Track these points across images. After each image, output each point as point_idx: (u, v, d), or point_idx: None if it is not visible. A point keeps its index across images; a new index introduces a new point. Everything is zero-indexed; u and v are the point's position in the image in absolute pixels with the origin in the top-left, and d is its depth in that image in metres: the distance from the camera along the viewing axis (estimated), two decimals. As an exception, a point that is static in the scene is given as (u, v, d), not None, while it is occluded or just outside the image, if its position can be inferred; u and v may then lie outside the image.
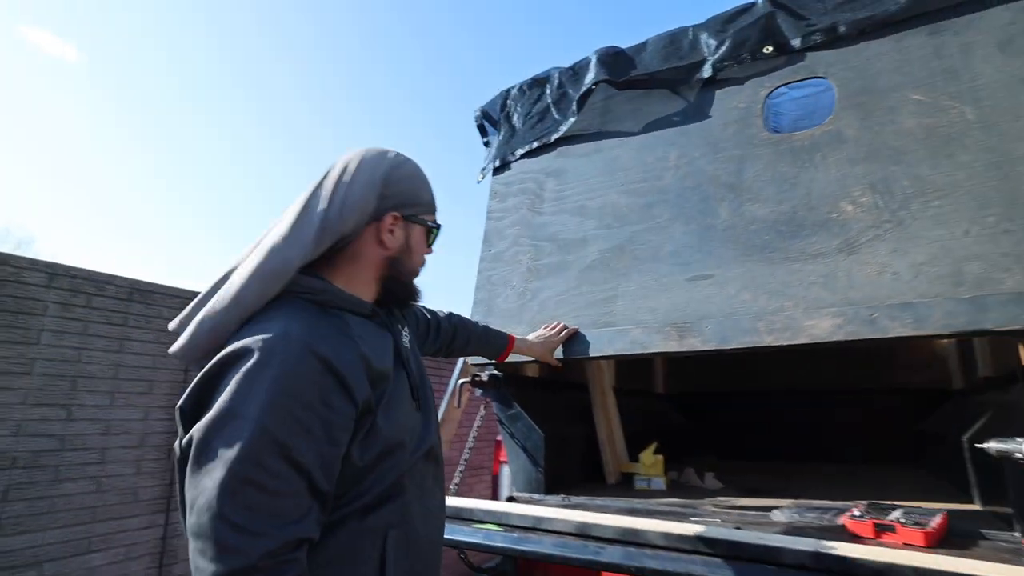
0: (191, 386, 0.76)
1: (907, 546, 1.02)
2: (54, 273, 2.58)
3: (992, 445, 1.11)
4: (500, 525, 1.57)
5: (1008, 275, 1.24)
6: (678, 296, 1.63)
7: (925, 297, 1.30)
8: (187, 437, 0.73)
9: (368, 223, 0.90)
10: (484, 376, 2.04)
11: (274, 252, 0.82)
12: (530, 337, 1.71)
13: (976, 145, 1.39)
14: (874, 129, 1.55)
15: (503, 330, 1.68)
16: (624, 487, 2.10)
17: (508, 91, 2.41)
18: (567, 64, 2.26)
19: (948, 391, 2.60)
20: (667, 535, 1.24)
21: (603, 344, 1.67)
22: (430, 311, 1.41)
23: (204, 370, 0.76)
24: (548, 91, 2.27)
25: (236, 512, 0.66)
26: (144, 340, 2.90)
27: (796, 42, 1.75)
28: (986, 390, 1.88)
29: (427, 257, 1.02)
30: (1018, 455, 1.00)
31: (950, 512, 1.22)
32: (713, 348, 1.48)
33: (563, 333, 1.73)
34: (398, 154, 0.96)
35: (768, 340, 1.41)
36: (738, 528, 1.25)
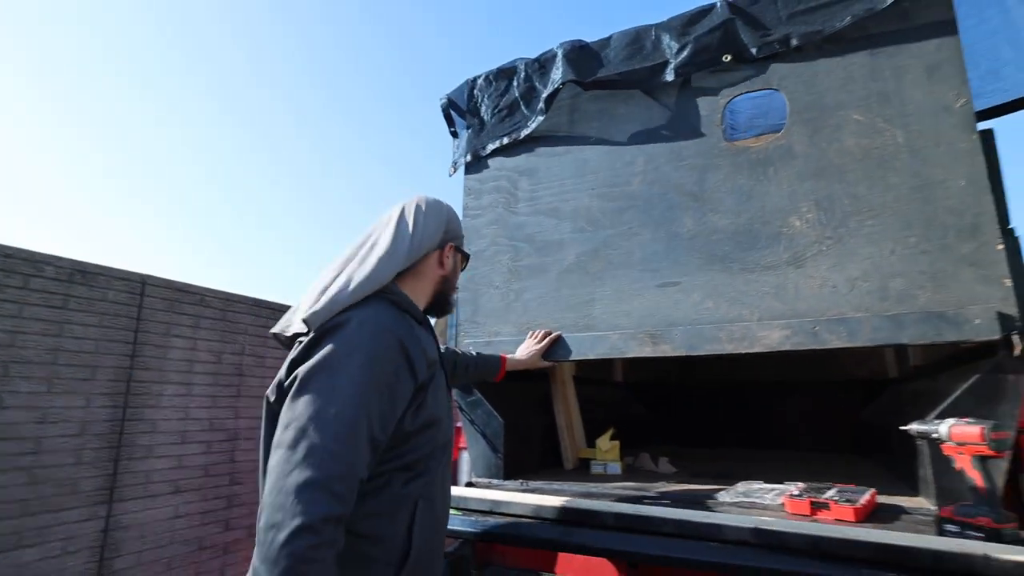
0: (304, 343, 1.00)
1: (839, 521, 1.26)
2: (-18, 253, 2.47)
3: (913, 427, 1.35)
4: (458, 509, 1.72)
5: (922, 292, 1.49)
6: (649, 302, 1.81)
7: (858, 310, 1.53)
8: (291, 377, 0.96)
9: (434, 250, 1.26)
10: None
11: (382, 263, 1.11)
12: (518, 354, 1.91)
13: (904, 168, 1.60)
14: (820, 146, 1.73)
15: (490, 328, 1.90)
16: (581, 472, 2.27)
17: (474, 81, 2.43)
18: (510, 54, 2.29)
19: (886, 381, 2.87)
20: (618, 515, 1.43)
21: (585, 348, 1.85)
22: None
23: (316, 330, 1.00)
24: (515, 83, 2.31)
25: (324, 436, 0.88)
26: (87, 324, 2.82)
27: (753, 51, 1.85)
28: (916, 378, 2.18)
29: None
30: (934, 435, 1.24)
31: (879, 491, 1.46)
32: (683, 354, 1.68)
33: (546, 341, 1.92)
34: (448, 203, 1.36)
35: (729, 348, 1.61)
36: (685, 508, 1.46)
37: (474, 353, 1.80)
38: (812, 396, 3.33)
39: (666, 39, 2.03)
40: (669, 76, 1.98)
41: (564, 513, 1.54)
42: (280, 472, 0.85)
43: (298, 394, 0.93)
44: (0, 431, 2.44)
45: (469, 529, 1.63)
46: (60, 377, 2.69)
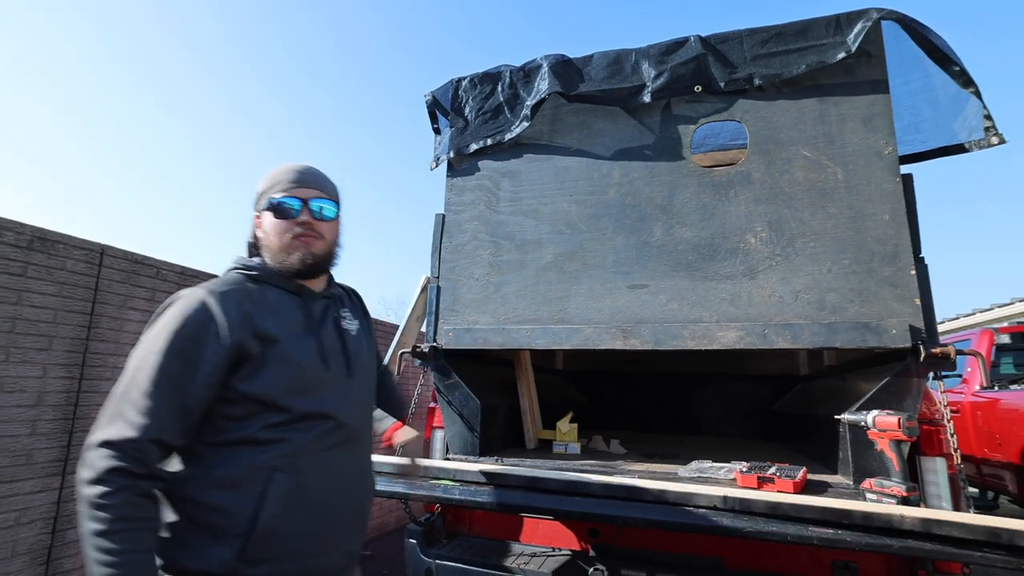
0: None
1: (781, 492, 1.42)
2: (-62, 215, 2.23)
3: (846, 416, 1.54)
4: (455, 480, 1.78)
5: (852, 305, 1.69)
6: (620, 300, 1.92)
7: (800, 318, 1.71)
8: None
9: (255, 219, 1.22)
10: (424, 347, 2.21)
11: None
12: (397, 439, 1.51)
13: (841, 200, 1.81)
14: (774, 175, 1.91)
15: (469, 317, 1.88)
16: (542, 451, 2.39)
17: (459, 81, 2.46)
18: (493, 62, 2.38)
19: (796, 377, 3.18)
20: (606, 486, 1.55)
21: (561, 339, 1.94)
22: (380, 360, 1.52)
23: None
24: (500, 88, 2.35)
25: (122, 401, 0.94)
26: (45, 293, 2.61)
27: (721, 84, 2.01)
28: (827, 376, 2.44)
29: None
30: (862, 423, 1.43)
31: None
32: (650, 348, 1.81)
33: (413, 464, 1.67)
34: (274, 169, 1.25)
35: (691, 344, 1.76)
36: (659, 480, 1.60)
37: (394, 387, 1.57)
38: (729, 388, 3.63)
39: (644, 64, 2.15)
40: (646, 98, 2.10)
41: (557, 484, 1.61)
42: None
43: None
44: (-45, 399, 2.23)
45: (470, 498, 1.65)
46: (17, 346, 2.48)
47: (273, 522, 0.97)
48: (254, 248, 1.19)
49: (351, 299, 1.34)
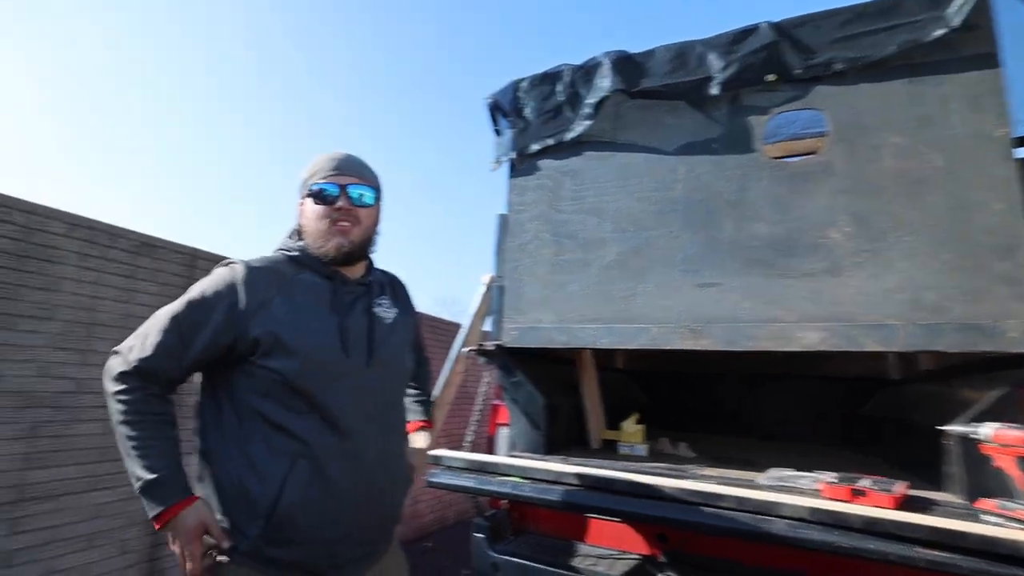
0: None
1: (877, 507, 1.26)
2: (74, 224, 2.49)
3: (955, 428, 1.35)
4: (524, 478, 1.72)
5: (956, 305, 1.48)
6: (689, 299, 1.80)
7: (892, 318, 1.52)
8: None
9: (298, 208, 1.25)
10: (488, 346, 2.17)
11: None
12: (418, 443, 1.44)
13: (941, 190, 1.59)
14: (859, 165, 1.72)
15: (533, 316, 1.84)
16: (607, 452, 2.29)
17: (519, 82, 2.40)
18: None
19: (882, 380, 2.85)
20: (683, 490, 1.44)
21: (627, 338, 1.84)
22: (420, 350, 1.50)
23: None
24: (560, 88, 2.27)
25: (146, 330, 1.06)
26: (150, 293, 2.84)
27: (797, 72, 1.84)
28: (925, 381, 2.16)
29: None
30: (974, 436, 1.24)
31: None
32: (722, 348, 1.67)
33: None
34: (314, 159, 1.27)
35: (767, 345, 1.61)
36: (737, 487, 1.46)
37: (420, 393, 1.49)
38: (803, 389, 3.32)
39: (710, 56, 2.02)
40: (714, 91, 1.97)
41: (630, 486, 1.53)
42: None
43: None
44: (86, 385, 2.49)
45: (540, 496, 1.61)
46: (130, 340, 2.71)
47: (293, 507, 0.99)
48: (298, 235, 1.21)
49: (393, 287, 1.33)
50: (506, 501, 2.01)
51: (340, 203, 1.13)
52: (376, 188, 1.20)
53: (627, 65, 2.13)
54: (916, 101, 1.68)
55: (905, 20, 1.71)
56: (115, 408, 1.01)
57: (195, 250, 3.12)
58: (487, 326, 2.36)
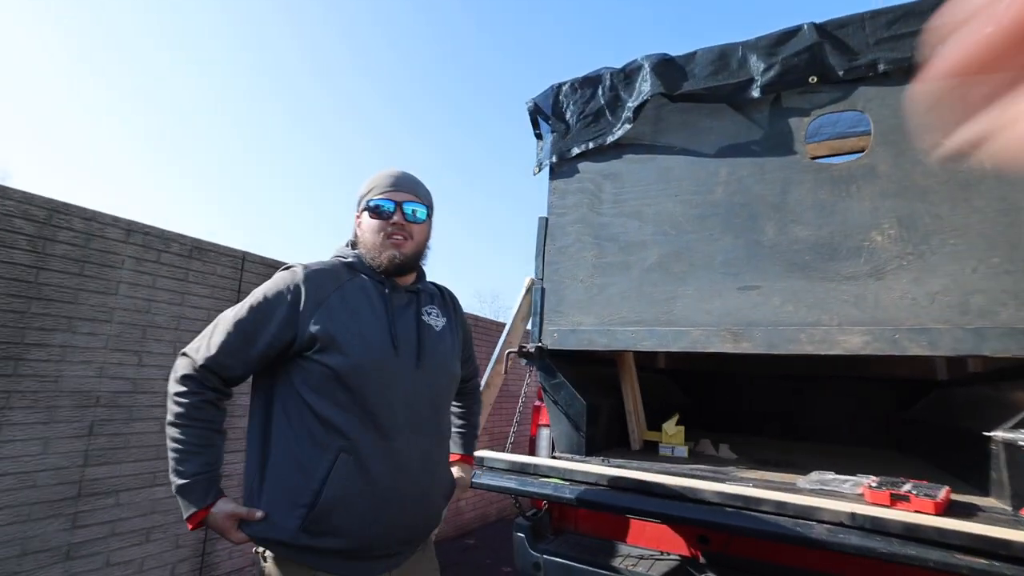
0: None
1: (918, 513, 1.32)
2: (130, 229, 2.67)
3: (999, 434, 1.40)
4: (565, 480, 1.83)
5: (1004, 309, 1.52)
6: (730, 303, 1.87)
7: (937, 322, 1.57)
8: None
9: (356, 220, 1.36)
10: (530, 347, 2.27)
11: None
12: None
13: (990, 192, 1.62)
14: (904, 167, 1.76)
15: (574, 318, 1.94)
16: (648, 453, 2.36)
17: (560, 87, 2.50)
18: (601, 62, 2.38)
19: (930, 382, 2.85)
20: (721, 494, 1.52)
21: (668, 341, 1.92)
22: (474, 370, 1.62)
23: None
24: (600, 92, 2.36)
25: (212, 332, 1.17)
26: (201, 295, 3.03)
27: (840, 74, 1.87)
28: (972, 384, 2.19)
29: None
30: (1020, 442, 1.29)
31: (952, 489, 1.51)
32: (763, 352, 1.74)
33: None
34: (372, 176, 1.38)
35: (809, 349, 1.67)
36: (777, 491, 1.53)
37: (465, 424, 1.58)
38: (848, 391, 3.31)
39: (752, 58, 2.06)
40: (755, 93, 2.01)
41: (668, 490, 1.61)
42: None
43: None
44: (142, 385, 2.67)
45: (585, 497, 1.68)
46: (182, 341, 2.90)
47: (334, 500, 1.06)
48: (354, 246, 1.33)
49: (443, 298, 1.42)
50: (546, 502, 2.12)
51: (395, 218, 1.24)
52: (429, 205, 1.31)
53: (668, 68, 2.20)
54: (964, 102, 1.71)
55: None
56: (171, 408, 1.11)
57: (245, 253, 3.31)
58: (529, 327, 2.46)
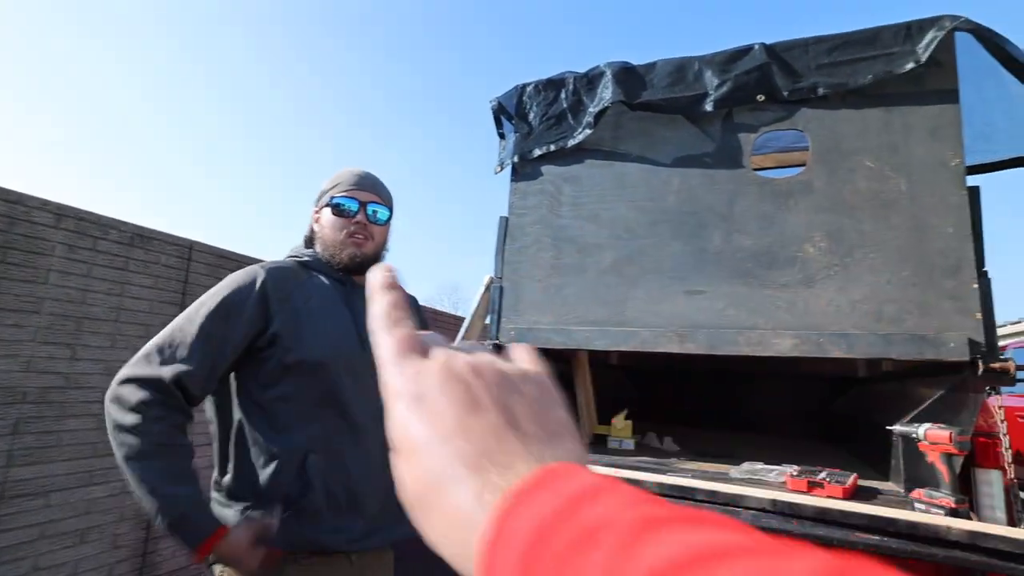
0: None
1: (831, 497, 1.56)
2: (61, 214, 2.59)
3: (897, 428, 1.66)
4: None
5: (910, 317, 1.78)
6: (677, 306, 2.07)
7: (856, 328, 1.82)
8: None
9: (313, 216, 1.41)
10: (487, 344, 2.42)
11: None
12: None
13: (904, 212, 1.87)
14: (836, 185, 1.99)
15: (531, 317, 2.08)
16: (597, 446, 2.56)
17: (524, 87, 2.61)
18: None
19: (852, 379, 3.19)
20: (660, 484, 1.72)
21: (619, 341, 2.11)
22: None
23: None
24: (563, 95, 2.50)
25: (169, 344, 1.12)
26: (143, 285, 2.98)
27: (785, 94, 2.07)
28: (885, 381, 2.51)
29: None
30: (913, 435, 1.55)
31: (858, 475, 1.78)
32: (705, 353, 1.96)
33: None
34: (338, 172, 1.42)
35: (746, 351, 1.90)
36: (711, 481, 1.75)
37: None
38: (784, 387, 3.68)
39: (707, 72, 2.24)
40: (709, 107, 2.20)
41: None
42: None
43: None
44: (76, 380, 2.62)
45: None
46: (121, 334, 2.86)
47: (314, 495, 1.09)
48: (310, 242, 1.36)
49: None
50: None
51: (358, 217, 1.29)
52: (390, 207, 1.37)
53: (629, 76, 2.35)
54: (887, 128, 1.96)
55: (882, 52, 1.98)
56: (130, 440, 1.00)
57: (192, 242, 3.26)
58: (487, 324, 2.60)
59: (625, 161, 2.35)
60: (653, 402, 3.94)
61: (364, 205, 1.30)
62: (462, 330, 2.47)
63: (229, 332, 1.13)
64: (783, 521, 1.47)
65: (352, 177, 1.33)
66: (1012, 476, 1.59)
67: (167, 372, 1.06)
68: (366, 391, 1.18)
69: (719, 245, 2.09)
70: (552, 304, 2.30)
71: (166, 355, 1.08)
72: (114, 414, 1.04)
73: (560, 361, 2.80)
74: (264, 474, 1.11)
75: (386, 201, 1.36)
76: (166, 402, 1.05)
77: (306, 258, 1.31)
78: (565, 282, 2.30)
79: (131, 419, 1.02)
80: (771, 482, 1.76)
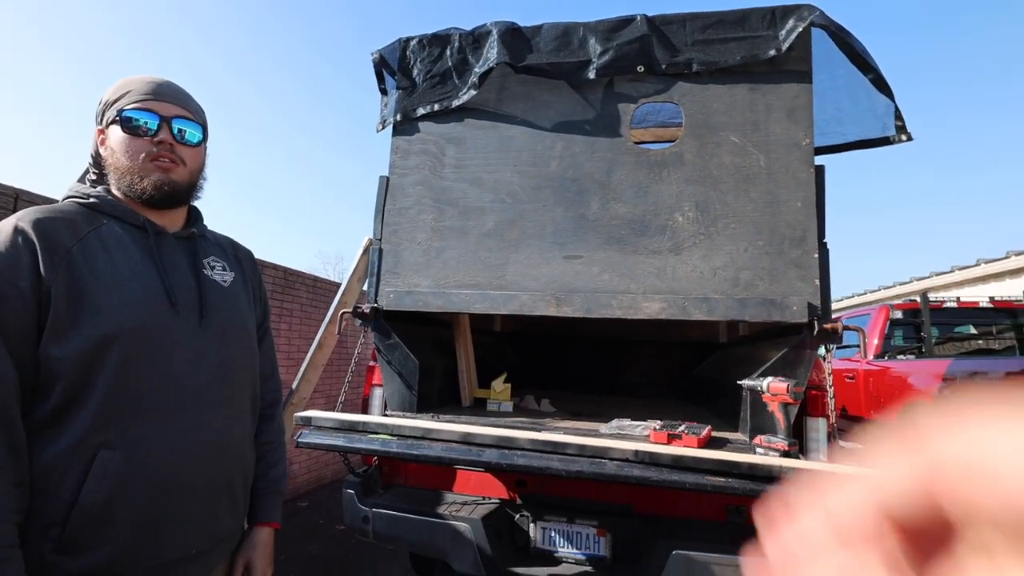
0: None
1: (686, 448, 1.62)
2: None
3: (746, 382, 1.75)
4: (392, 435, 1.88)
5: (762, 283, 1.89)
6: (556, 270, 2.04)
7: (716, 293, 1.90)
8: None
9: (97, 139, 1.04)
10: (365, 308, 2.26)
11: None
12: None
13: (762, 186, 1.98)
14: (704, 158, 2.05)
15: (411, 280, 1.93)
16: (477, 409, 2.53)
17: (407, 41, 2.41)
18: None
19: (714, 344, 3.47)
20: (533, 440, 1.69)
21: (498, 304, 2.04)
22: (275, 387, 1.27)
23: None
24: (448, 53, 2.34)
25: None
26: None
27: (662, 67, 2.09)
28: (740, 345, 2.69)
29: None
30: (759, 388, 1.64)
31: (713, 427, 1.88)
32: (581, 316, 1.94)
33: None
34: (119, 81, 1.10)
35: (618, 314, 1.91)
36: (581, 436, 1.76)
37: (270, 482, 1.17)
38: (655, 352, 3.93)
39: (592, 40, 2.20)
40: (591, 75, 2.17)
41: (488, 439, 1.72)
42: None
43: None
44: None
45: (407, 451, 1.73)
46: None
47: (95, 507, 0.84)
48: (97, 176, 1.03)
49: (235, 252, 1.17)
50: (376, 458, 2.16)
51: (161, 136, 0.98)
52: (203, 125, 1.07)
53: (515, 38, 2.25)
54: (751, 107, 2.04)
55: (749, 34, 2.04)
56: None
57: (18, 191, 2.68)
58: (366, 288, 2.42)
59: (510, 124, 2.26)
60: (534, 368, 3.99)
61: (167, 120, 0.99)
62: (339, 293, 2.27)
63: (9, 326, 0.82)
64: (644, 469, 1.50)
65: (147, 85, 1.00)
66: (834, 422, 1.75)
67: None
68: (180, 366, 0.94)
69: (597, 212, 2.08)
70: (432, 267, 2.18)
71: None
72: None
73: (442, 326, 2.70)
74: (32, 490, 0.85)
75: (198, 117, 1.05)
76: None
77: (92, 199, 0.97)
78: (446, 245, 2.19)
79: None
80: (636, 436, 1.81)
